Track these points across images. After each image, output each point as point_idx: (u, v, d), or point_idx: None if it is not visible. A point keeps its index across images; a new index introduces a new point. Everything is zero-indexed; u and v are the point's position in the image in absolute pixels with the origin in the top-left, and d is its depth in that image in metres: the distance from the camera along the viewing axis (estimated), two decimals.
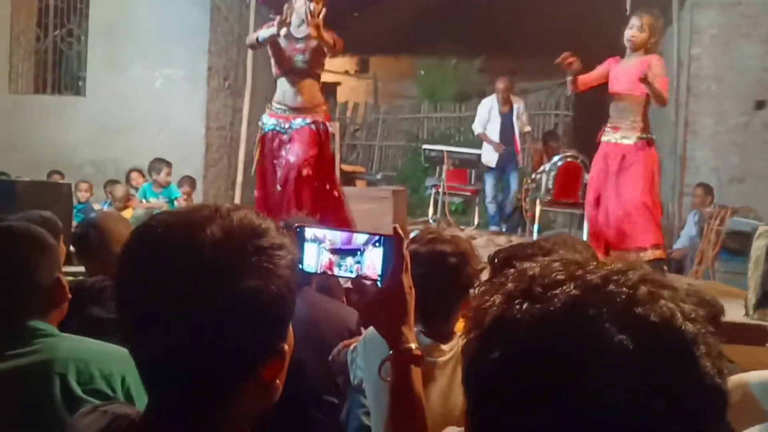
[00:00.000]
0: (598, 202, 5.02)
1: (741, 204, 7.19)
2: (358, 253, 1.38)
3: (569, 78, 4.98)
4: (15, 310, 1.55)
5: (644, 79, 4.52)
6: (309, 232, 1.36)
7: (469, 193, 8.91)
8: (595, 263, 0.74)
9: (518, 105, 8.08)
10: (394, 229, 1.32)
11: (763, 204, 7.24)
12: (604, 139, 5.03)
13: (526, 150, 8.59)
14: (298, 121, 4.91)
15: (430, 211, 8.03)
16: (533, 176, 7.87)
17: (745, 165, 7.27)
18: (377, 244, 1.38)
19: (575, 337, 0.64)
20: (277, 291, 0.82)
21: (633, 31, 4.81)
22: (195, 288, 0.79)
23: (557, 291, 0.67)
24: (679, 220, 7.49)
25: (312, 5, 4.77)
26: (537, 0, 7.88)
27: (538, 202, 7.66)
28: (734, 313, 3.77)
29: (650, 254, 4.73)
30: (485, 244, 7.23)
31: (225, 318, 0.79)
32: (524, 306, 0.67)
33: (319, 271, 1.40)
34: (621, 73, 4.90)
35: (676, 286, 0.70)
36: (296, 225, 1.40)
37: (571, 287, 0.67)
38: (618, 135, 4.93)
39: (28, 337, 1.53)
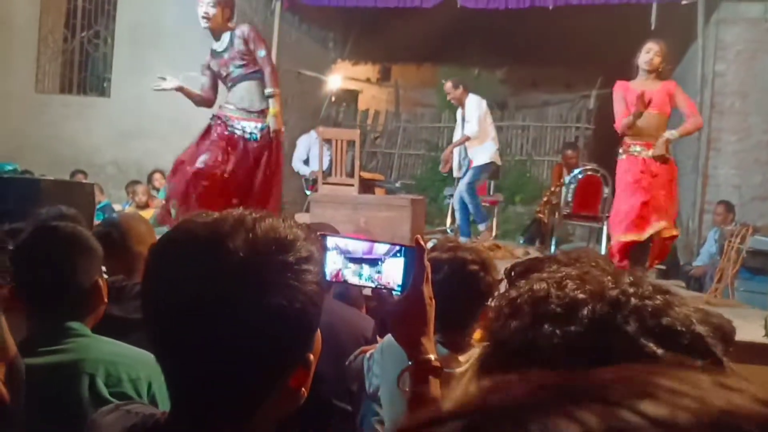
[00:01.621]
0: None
1: (763, 223, 7.11)
2: (379, 262, 1.39)
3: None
4: (52, 308, 1.58)
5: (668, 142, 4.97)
6: (331, 241, 1.37)
7: (488, 204, 8.88)
8: (603, 275, 0.74)
9: (468, 105, 7.06)
10: (416, 239, 1.33)
11: None
12: (635, 153, 5.10)
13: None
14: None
15: (448, 220, 8.01)
16: (552, 189, 7.85)
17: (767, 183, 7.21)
18: (398, 254, 1.39)
19: (613, 353, 0.64)
20: (302, 307, 0.81)
21: (651, 55, 4.96)
22: (217, 303, 0.78)
23: (585, 312, 0.67)
24: (699, 238, 7.43)
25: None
26: (560, 12, 7.85)
27: (556, 214, 7.64)
28: (753, 333, 3.73)
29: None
30: (503, 255, 7.21)
31: (248, 333, 0.79)
32: (555, 331, 0.67)
33: (338, 280, 1.41)
34: (647, 91, 5.00)
35: (671, 290, 0.73)
36: (319, 233, 1.41)
37: (598, 305, 0.67)
38: (653, 152, 5.04)
39: (61, 335, 1.56)
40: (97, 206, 6.43)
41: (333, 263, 1.40)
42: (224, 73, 4.89)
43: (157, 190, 7.56)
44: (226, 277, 0.79)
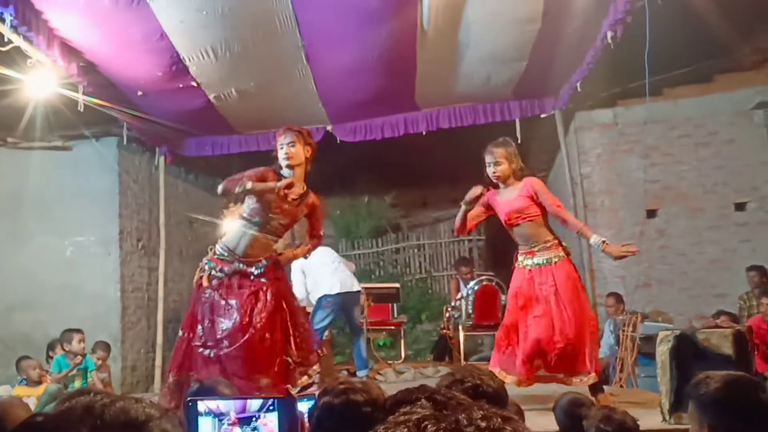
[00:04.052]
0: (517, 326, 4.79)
1: (651, 308, 7.50)
2: (254, 419, 1.41)
3: (463, 211, 4.89)
4: None
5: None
6: (202, 406, 1.38)
7: (393, 327, 8.95)
8: (459, 410, 0.81)
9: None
10: (286, 390, 1.37)
11: (671, 306, 7.59)
12: (521, 264, 4.87)
13: None
14: None
15: None
16: (452, 304, 8.03)
17: (648, 271, 7.65)
18: (272, 408, 1.42)
19: None
20: None
21: (492, 168, 4.81)
22: None
23: None
24: (596, 330, 7.71)
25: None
26: (436, 135, 8.33)
27: (461, 328, 7.78)
28: (652, 419, 3.86)
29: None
30: (413, 377, 7.22)
31: None
32: None
33: None
34: (508, 206, 4.83)
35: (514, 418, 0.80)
36: (188, 399, 1.42)
37: None
38: (535, 260, 4.78)
39: None
40: None
41: (209, 428, 1.40)
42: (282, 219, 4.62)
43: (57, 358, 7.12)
44: None
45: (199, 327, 4.47)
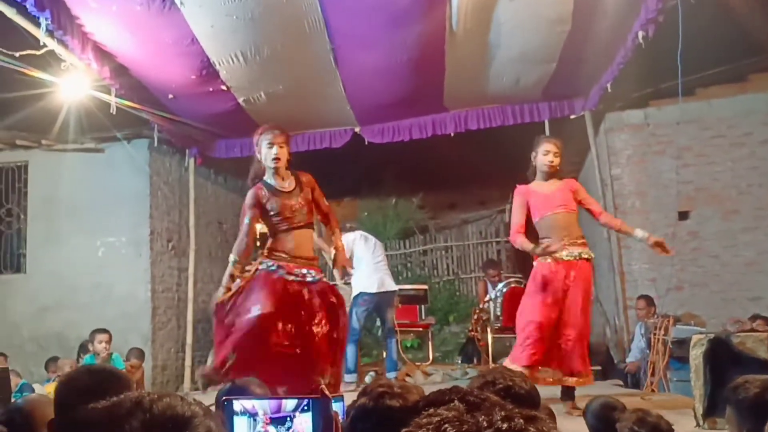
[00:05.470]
0: (553, 324, 4.82)
1: (683, 311, 7.38)
2: (288, 419, 1.42)
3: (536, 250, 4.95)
4: None
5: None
6: (238, 405, 1.39)
7: (420, 329, 8.93)
8: (488, 410, 0.81)
9: None
10: (321, 390, 1.37)
11: (704, 310, 7.46)
12: (549, 259, 4.87)
13: None
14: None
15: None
16: (480, 306, 7.99)
17: (680, 273, 7.53)
18: (306, 408, 1.42)
19: None
20: None
21: (550, 156, 4.95)
22: None
23: None
24: (627, 334, 7.62)
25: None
26: (464, 137, 8.30)
27: (489, 330, 7.74)
28: (686, 424, 3.80)
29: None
30: (442, 379, 7.20)
31: None
32: None
33: None
34: (550, 196, 4.94)
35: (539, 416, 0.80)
36: (224, 399, 1.43)
37: None
38: (566, 252, 4.83)
39: None
40: (15, 390, 6.16)
41: (246, 427, 1.41)
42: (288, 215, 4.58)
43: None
44: None
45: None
